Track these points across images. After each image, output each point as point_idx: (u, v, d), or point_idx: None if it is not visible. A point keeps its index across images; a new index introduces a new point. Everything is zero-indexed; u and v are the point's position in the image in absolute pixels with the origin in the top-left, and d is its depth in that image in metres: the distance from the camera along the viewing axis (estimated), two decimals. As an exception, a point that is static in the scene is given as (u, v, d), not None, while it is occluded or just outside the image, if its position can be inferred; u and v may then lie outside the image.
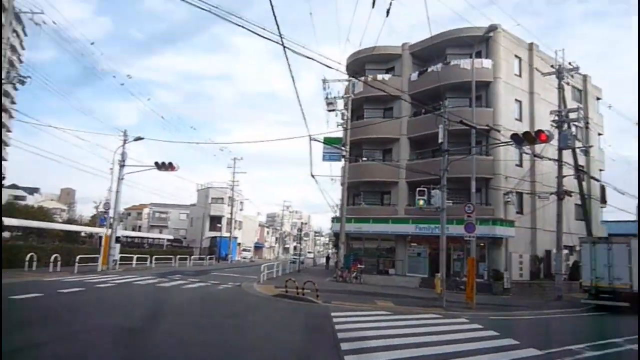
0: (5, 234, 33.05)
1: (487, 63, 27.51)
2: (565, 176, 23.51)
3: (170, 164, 24.43)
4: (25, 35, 77.95)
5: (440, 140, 17.64)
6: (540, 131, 14.68)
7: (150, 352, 7.13)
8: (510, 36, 28.91)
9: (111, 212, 25.51)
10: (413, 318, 13.01)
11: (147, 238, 55.33)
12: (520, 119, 28.83)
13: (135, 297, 14.56)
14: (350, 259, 28.82)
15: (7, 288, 13.87)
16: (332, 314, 12.81)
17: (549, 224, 29.32)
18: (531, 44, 30.08)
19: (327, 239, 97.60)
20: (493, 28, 23.35)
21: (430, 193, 17.34)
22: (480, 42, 28.43)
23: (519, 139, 14.97)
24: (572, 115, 23.38)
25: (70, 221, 61.49)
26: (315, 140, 17.54)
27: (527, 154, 25.25)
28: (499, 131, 18.63)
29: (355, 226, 29.83)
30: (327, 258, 47.79)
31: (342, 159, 29.33)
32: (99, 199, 78.40)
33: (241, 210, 70.45)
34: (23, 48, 79.27)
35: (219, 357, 7.21)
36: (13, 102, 75.63)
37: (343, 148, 28.94)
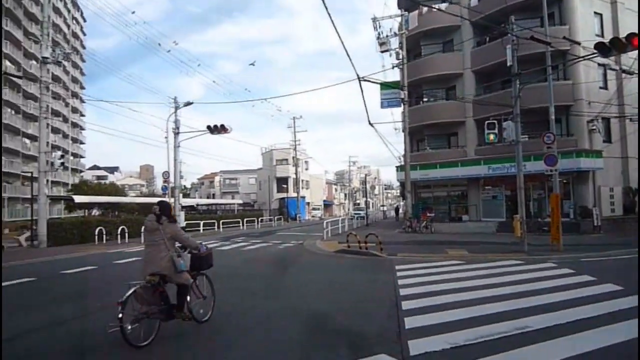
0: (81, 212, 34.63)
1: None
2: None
3: (222, 126, 23.77)
4: (85, 20, 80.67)
5: (509, 64, 15.33)
6: (633, 35, 12.05)
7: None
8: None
9: (172, 180, 25.52)
10: (490, 266, 11.47)
11: (219, 204, 56.61)
12: (602, 34, 25.10)
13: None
14: (418, 207, 27.25)
15: (64, 262, 13.91)
16: (397, 267, 11.58)
17: (643, 150, 25.96)
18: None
19: (397, 192, 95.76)
20: None
21: (501, 126, 15.25)
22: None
23: (604, 48, 12.44)
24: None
25: (149, 195, 64.74)
26: (366, 80, 15.89)
27: (613, 70, 21.88)
28: (578, 43, 15.81)
29: (422, 173, 28.03)
30: (397, 210, 46.32)
31: (402, 104, 27.27)
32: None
33: (307, 169, 70.14)
34: (84, 34, 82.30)
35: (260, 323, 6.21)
36: (82, 88, 79.32)
37: (401, 91, 26.87)
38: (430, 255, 14.03)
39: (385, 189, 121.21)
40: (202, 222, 28.98)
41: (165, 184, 24.73)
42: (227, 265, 12.76)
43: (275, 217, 42.49)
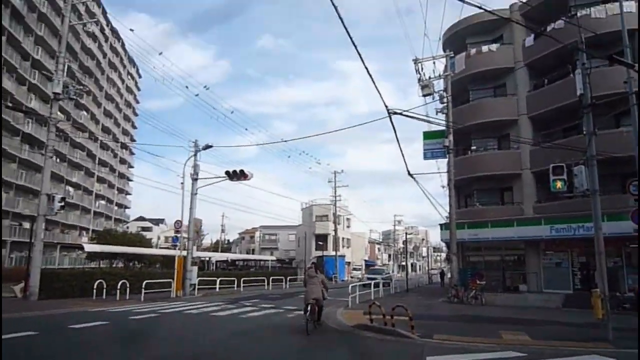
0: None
1: (629, 5, 20.66)
2: None
3: (242, 171, 21.51)
4: (140, 77, 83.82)
5: (579, 92, 12.09)
6: None
7: None
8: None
9: (185, 231, 23.10)
10: (565, 366, 7.84)
11: (250, 260, 53.94)
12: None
13: (157, 332, 11.13)
14: (466, 273, 23.31)
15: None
16: (428, 357, 8.17)
17: None
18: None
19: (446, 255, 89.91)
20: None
21: (571, 172, 11.80)
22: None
23: None
24: None
25: (170, 247, 63.35)
26: (398, 113, 13.03)
27: None
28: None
29: (470, 232, 24.27)
30: (442, 274, 41.73)
31: (447, 153, 24.09)
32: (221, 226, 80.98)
33: (348, 227, 66.84)
34: (139, 89, 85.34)
35: None
36: (133, 140, 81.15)
37: (446, 139, 23.79)
38: (478, 340, 10.38)
39: (434, 251, 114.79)
40: (218, 280, 26.06)
41: (177, 235, 22.28)
42: (202, 342, 9.73)
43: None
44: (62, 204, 19.12)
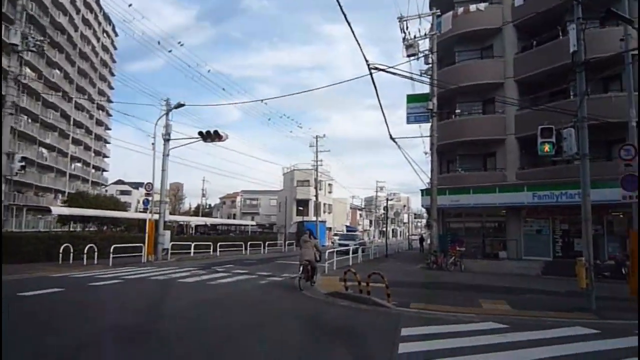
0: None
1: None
2: None
3: (216, 132, 20.45)
4: (116, 35, 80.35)
5: (572, 49, 11.24)
6: None
7: None
8: None
9: (158, 194, 22.16)
10: (547, 338, 7.32)
11: (232, 225, 53.32)
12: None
13: (111, 301, 10.37)
14: (446, 239, 22.98)
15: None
16: (404, 330, 7.59)
17: None
18: None
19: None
20: None
21: (560, 134, 11.11)
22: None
23: None
24: None
25: (143, 211, 62.25)
26: (378, 69, 12.06)
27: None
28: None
29: (451, 199, 23.78)
30: (421, 240, 41.58)
31: (431, 116, 23.29)
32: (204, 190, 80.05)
33: (330, 193, 66.43)
34: (115, 48, 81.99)
35: None
36: (110, 101, 78.42)
37: (430, 102, 22.96)
38: (457, 309, 9.88)
39: (415, 217, 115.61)
40: (193, 244, 25.30)
41: (148, 198, 21.29)
42: (157, 312, 9.02)
43: (287, 242, 38.58)
44: (23, 163, 17.94)
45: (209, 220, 51.73)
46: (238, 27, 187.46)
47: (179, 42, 75.61)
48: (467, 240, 23.96)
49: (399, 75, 13.66)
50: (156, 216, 21.98)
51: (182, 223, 46.52)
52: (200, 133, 20.75)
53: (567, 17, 21.29)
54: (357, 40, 11.21)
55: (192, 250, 24.90)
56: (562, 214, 21.42)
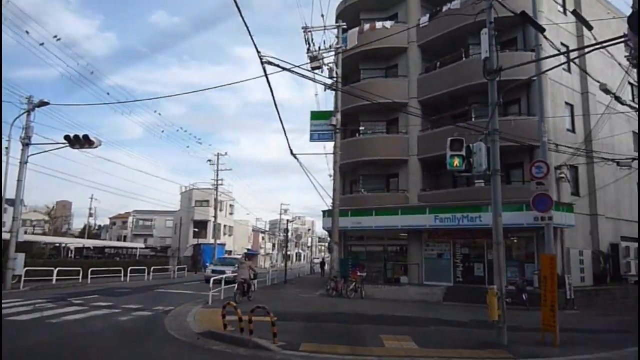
0: None
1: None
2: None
3: (86, 137, 17.35)
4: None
5: (483, 56, 10.30)
6: None
7: None
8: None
9: (10, 210, 18.33)
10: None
11: (119, 247, 48.30)
12: (568, 70, 21.51)
13: None
14: (347, 264, 21.54)
15: None
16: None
17: (610, 209, 22.09)
18: (577, -28, 22.74)
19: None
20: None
21: (470, 148, 10.04)
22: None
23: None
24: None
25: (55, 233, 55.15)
26: (271, 63, 10.31)
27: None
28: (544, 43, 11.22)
29: (353, 220, 22.55)
30: (322, 264, 40.22)
31: (334, 133, 22.02)
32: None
33: (231, 214, 63.29)
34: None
35: None
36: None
37: (333, 117, 21.72)
38: (355, 350, 8.11)
39: (320, 241, 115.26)
40: (56, 270, 21.40)
41: (-6, 213, 17.45)
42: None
43: (177, 268, 35.09)
44: None
45: (90, 242, 46.24)
46: (145, 41, 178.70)
47: (55, 36, 68.41)
48: (369, 264, 22.78)
49: (298, 74, 12.02)
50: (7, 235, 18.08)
51: (58, 245, 40.91)
52: (67, 137, 17.51)
53: (470, 40, 21.40)
54: (250, 35, 9.38)
55: (55, 277, 21.00)
56: (462, 237, 21.00)
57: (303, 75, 12.25)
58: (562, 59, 16.90)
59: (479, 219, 19.21)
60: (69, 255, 39.82)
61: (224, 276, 17.62)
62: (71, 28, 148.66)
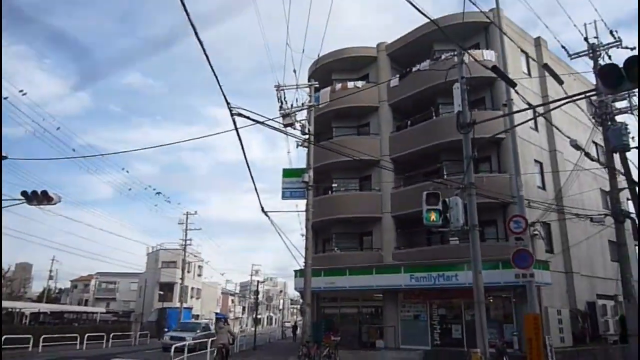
0: None
1: (489, 54, 20.84)
2: (622, 189, 16.38)
3: (44, 193, 16.38)
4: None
5: (456, 109, 10.26)
6: None
7: None
8: (513, 26, 22.70)
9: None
10: None
11: (79, 312, 45.39)
12: (536, 128, 22.06)
13: None
14: (320, 327, 20.50)
15: None
16: None
17: (584, 266, 22.00)
18: (538, 39, 23.94)
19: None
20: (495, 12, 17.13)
21: (446, 202, 9.72)
22: (476, 33, 22.25)
23: (614, 75, 7.62)
24: (621, 104, 16.62)
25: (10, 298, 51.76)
26: (242, 115, 9.96)
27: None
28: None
29: (327, 280, 21.75)
30: (294, 328, 38.55)
31: (306, 190, 21.62)
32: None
33: (199, 275, 61.01)
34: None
35: None
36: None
37: (306, 174, 21.38)
38: None
39: (292, 303, 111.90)
40: (3, 338, 19.54)
41: None
42: None
43: (139, 334, 32.92)
44: None
45: (46, 307, 43.38)
46: (119, 101, 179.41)
47: (21, 91, 67.72)
48: (343, 327, 21.77)
49: (270, 127, 11.67)
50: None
51: (11, 310, 38.11)
52: (24, 193, 16.50)
53: (439, 99, 21.85)
54: (219, 83, 9.08)
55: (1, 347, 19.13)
56: (439, 297, 20.37)
57: (275, 128, 11.87)
58: (532, 114, 17.34)
59: (455, 278, 18.73)
60: (23, 321, 37.10)
61: (185, 343, 16.34)
62: (44, 87, 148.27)
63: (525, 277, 10.15)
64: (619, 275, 23.98)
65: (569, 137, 14.08)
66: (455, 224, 9.64)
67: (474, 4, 8.77)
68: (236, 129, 10.66)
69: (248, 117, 10.19)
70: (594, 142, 22.90)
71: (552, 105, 11.82)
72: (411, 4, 7.76)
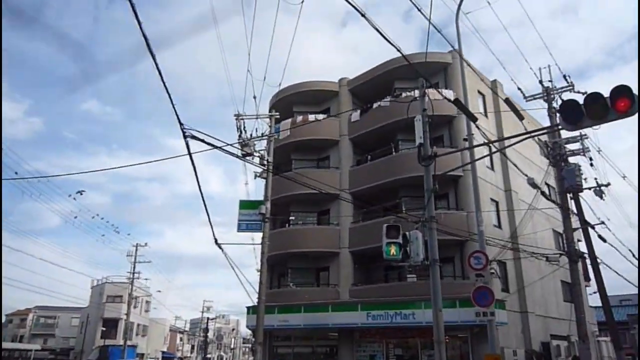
0: None
1: (448, 94, 21.20)
2: (576, 229, 16.64)
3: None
4: None
5: (418, 141, 10.08)
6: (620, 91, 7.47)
7: None
8: (470, 67, 23.31)
9: None
10: None
11: (7, 350, 41.81)
12: (492, 168, 22.43)
13: None
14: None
15: None
16: None
17: (539, 306, 22.11)
18: (494, 82, 24.71)
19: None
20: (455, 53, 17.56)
21: (406, 236, 9.37)
22: (436, 73, 22.74)
23: (574, 111, 7.62)
24: (573, 147, 17.06)
25: None
26: (195, 138, 9.43)
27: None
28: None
29: (280, 318, 20.83)
30: (247, 369, 36.79)
31: (263, 221, 20.92)
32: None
33: (147, 311, 58.00)
34: None
35: None
36: None
37: (262, 205, 20.75)
38: None
39: (244, 342, 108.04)
40: None
41: None
42: None
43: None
44: None
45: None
46: (75, 129, 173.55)
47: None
48: (297, 369, 20.78)
49: (225, 152, 11.07)
50: None
51: None
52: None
53: (399, 136, 21.95)
54: (171, 100, 8.55)
55: None
56: (395, 337, 19.83)
57: (231, 153, 11.30)
58: (489, 154, 17.60)
59: (413, 317, 18.30)
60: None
61: None
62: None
63: (485, 316, 9.83)
64: (572, 316, 24.43)
65: (526, 175, 14.22)
66: (415, 258, 9.29)
67: (440, 38, 8.72)
68: (189, 152, 10.08)
69: (202, 140, 9.63)
70: (546, 183, 23.58)
71: (508, 142, 11.91)
72: (381, 34, 7.59)
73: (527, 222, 21.63)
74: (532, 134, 9.01)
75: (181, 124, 9.09)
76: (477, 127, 10.78)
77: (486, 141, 11.29)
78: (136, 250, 44.42)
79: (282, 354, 22.68)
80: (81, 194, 49.28)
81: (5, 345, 45.43)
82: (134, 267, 44.70)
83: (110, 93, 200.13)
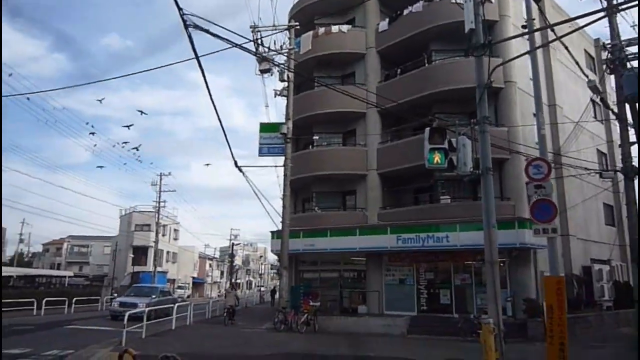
0: None
1: (492, -6, 18.66)
2: (633, 143, 14.79)
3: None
4: None
5: (469, 26, 8.20)
6: None
7: None
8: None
9: None
10: None
11: (49, 276, 43.22)
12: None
13: None
14: (298, 292, 18.91)
15: None
16: None
17: (580, 229, 20.72)
18: (541, -18, 21.78)
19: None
20: None
21: (452, 143, 7.89)
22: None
23: None
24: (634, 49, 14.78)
25: None
26: (198, 27, 7.86)
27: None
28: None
29: (306, 242, 20.03)
30: (273, 292, 37.13)
31: (285, 142, 19.60)
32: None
33: (175, 239, 59.01)
34: None
35: None
36: None
37: (284, 125, 19.36)
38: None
39: (272, 268, 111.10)
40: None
41: None
42: None
43: (109, 298, 31.09)
44: None
45: (13, 271, 41.11)
46: (96, 64, 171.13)
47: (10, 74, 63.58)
48: (323, 292, 20.27)
49: (235, 45, 9.50)
50: None
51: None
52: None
53: (432, 46, 19.83)
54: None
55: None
56: (427, 260, 18.84)
57: (242, 48, 9.58)
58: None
59: (446, 239, 17.17)
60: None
61: (136, 311, 14.28)
62: (18, 48, 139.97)
63: (546, 232, 8.48)
64: (614, 240, 23.01)
65: (587, 77, 12.26)
66: (462, 168, 7.85)
67: None
68: (193, 48, 8.54)
69: (207, 31, 8.05)
70: (592, 100, 21.39)
71: (567, 30, 9.90)
72: None
73: (572, 141, 19.80)
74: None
75: (179, 9, 7.48)
76: (540, 10, 8.84)
77: (548, 24, 9.33)
78: (160, 179, 44.26)
79: (308, 278, 22.17)
80: (101, 102, 50.01)
81: (42, 272, 47.06)
82: (159, 196, 44.80)
83: (130, 27, 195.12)
